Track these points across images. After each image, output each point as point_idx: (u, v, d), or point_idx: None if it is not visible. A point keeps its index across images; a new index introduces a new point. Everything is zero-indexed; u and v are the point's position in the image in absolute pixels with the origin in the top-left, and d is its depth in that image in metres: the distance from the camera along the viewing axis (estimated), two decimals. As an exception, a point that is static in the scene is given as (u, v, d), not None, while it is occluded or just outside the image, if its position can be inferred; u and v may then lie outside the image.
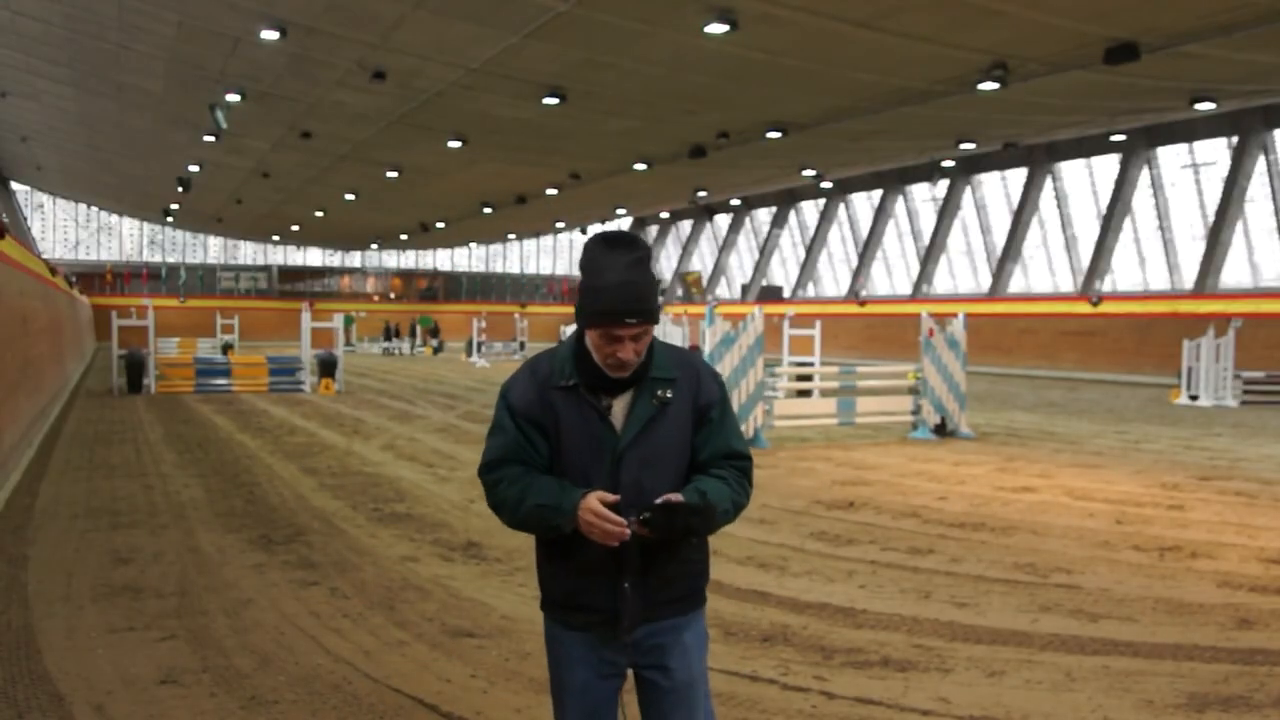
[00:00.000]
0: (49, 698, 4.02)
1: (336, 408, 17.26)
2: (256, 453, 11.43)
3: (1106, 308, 30.13)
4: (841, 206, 42.79)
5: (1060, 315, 31.40)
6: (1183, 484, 9.49)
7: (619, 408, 2.29)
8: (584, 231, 51.31)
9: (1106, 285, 31.61)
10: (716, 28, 14.25)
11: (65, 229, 51.89)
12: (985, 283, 35.85)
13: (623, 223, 48.32)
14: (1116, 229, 31.18)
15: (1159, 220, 30.46)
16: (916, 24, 14.26)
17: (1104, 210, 31.49)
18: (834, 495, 8.83)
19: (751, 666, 4.40)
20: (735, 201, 46.99)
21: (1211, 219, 28.58)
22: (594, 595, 2.29)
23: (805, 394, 14.96)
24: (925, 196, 38.95)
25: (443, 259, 60.79)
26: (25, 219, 48.40)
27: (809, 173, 31.55)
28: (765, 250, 47.26)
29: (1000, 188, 35.76)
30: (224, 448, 11.85)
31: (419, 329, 47.25)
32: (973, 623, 5.05)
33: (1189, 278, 29.27)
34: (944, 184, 37.11)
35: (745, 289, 47.42)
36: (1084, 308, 30.67)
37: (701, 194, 37.40)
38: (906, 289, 39.08)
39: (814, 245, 44.13)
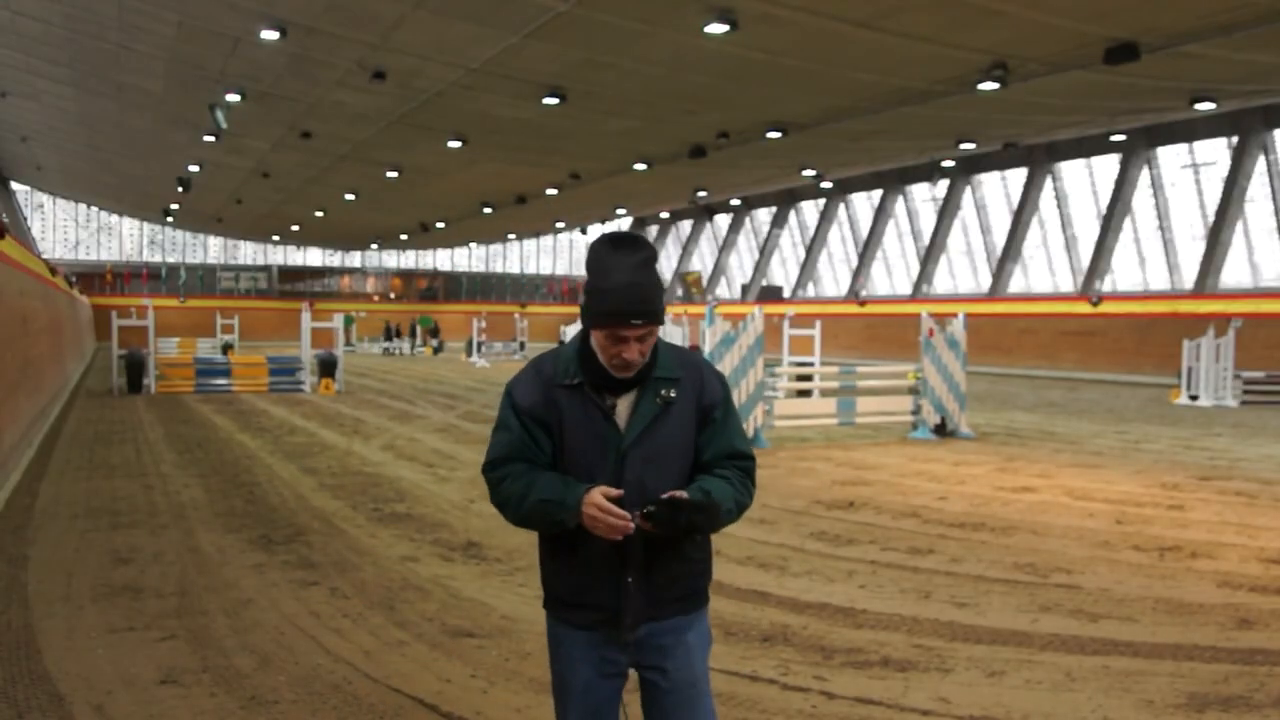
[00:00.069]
0: (49, 698, 4.02)
1: (336, 408, 17.27)
2: (256, 453, 11.43)
3: (1106, 308, 30.13)
4: (841, 206, 42.80)
5: (1060, 315, 31.41)
6: (1183, 484, 9.50)
7: (623, 407, 2.30)
8: (584, 232, 51.35)
9: (1106, 285, 31.61)
10: (716, 28, 14.25)
11: (65, 229, 51.90)
12: (985, 283, 35.85)
13: (623, 223, 48.34)
14: (1116, 229, 31.18)
15: (1159, 220, 30.46)
16: (916, 24, 14.26)
17: (1104, 210, 31.49)
18: (834, 495, 8.83)
19: (751, 666, 4.40)
20: (735, 201, 47.00)
21: (1211, 219, 28.58)
22: (597, 592, 2.29)
23: (805, 394, 14.96)
24: (925, 196, 38.95)
25: (443, 259, 60.80)
26: (25, 219, 48.40)
27: (809, 173, 31.55)
28: (765, 250, 47.27)
29: (1000, 188, 35.76)
30: (224, 448, 11.86)
31: (419, 329, 47.27)
32: (973, 623, 5.05)
33: (1189, 278, 29.27)
34: (944, 184, 37.11)
35: (745, 289, 47.43)
36: (1084, 308, 30.67)
37: (701, 194, 37.40)
38: (906, 289, 39.08)
39: (814, 245, 44.14)
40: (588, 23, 14.62)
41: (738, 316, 12.56)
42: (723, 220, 51.30)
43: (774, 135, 22.49)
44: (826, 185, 38.48)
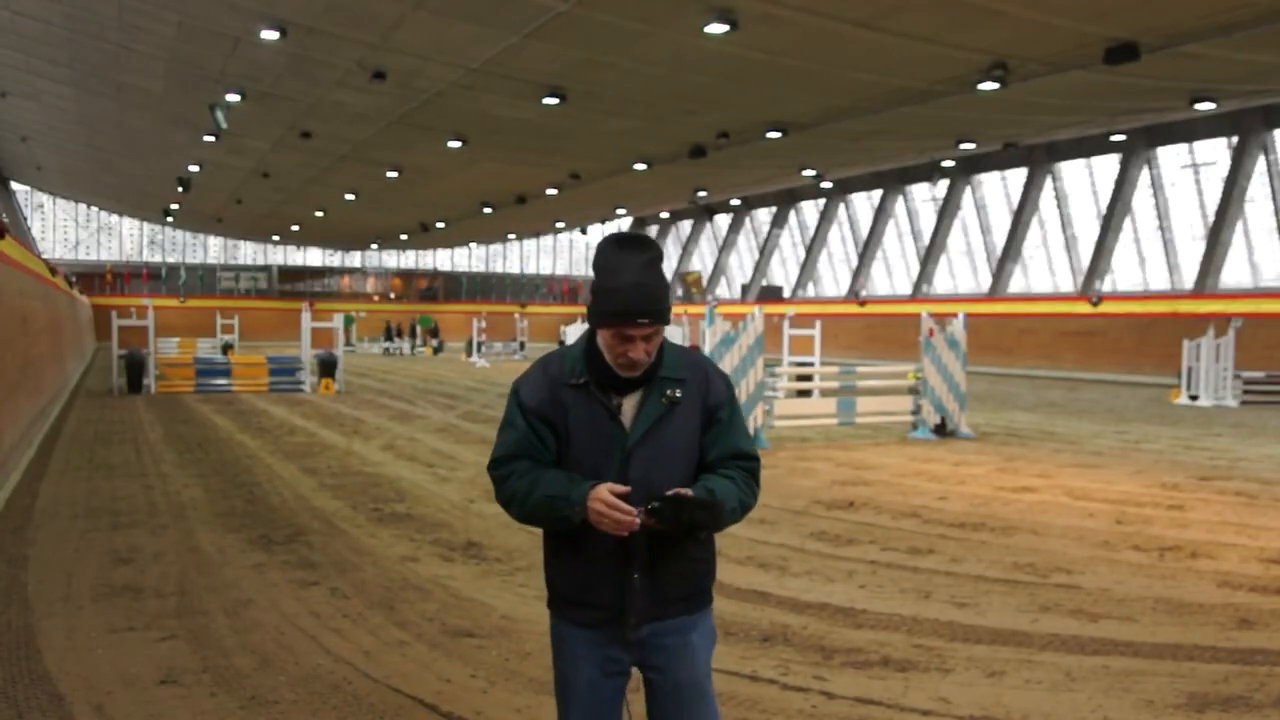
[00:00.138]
0: (49, 698, 4.02)
1: (336, 408, 17.26)
2: (256, 453, 11.43)
3: (1106, 308, 30.13)
4: (841, 206, 42.80)
5: (1060, 315, 31.41)
6: (1183, 484, 9.50)
7: (628, 406, 2.31)
8: (584, 232, 51.33)
9: (1106, 285, 31.62)
10: (716, 28, 14.25)
11: (65, 229, 51.89)
12: (985, 283, 35.85)
13: (623, 223, 48.34)
14: (1116, 229, 31.19)
15: (1159, 220, 30.47)
16: (916, 24, 14.27)
17: (1104, 210, 31.50)
18: (834, 495, 8.83)
19: (751, 666, 4.40)
20: (735, 201, 47.00)
21: (1211, 219, 28.59)
22: (602, 590, 2.30)
23: (805, 394, 14.96)
24: (925, 196, 38.95)
25: (443, 259, 60.80)
26: (25, 219, 48.40)
27: (809, 173, 31.55)
28: (765, 250, 47.27)
29: (1000, 188, 35.77)
30: (224, 448, 11.86)
31: (419, 329, 47.28)
32: (973, 623, 5.05)
33: (1189, 278, 29.27)
34: (944, 184, 37.12)
35: (745, 289, 47.44)
36: (1084, 308, 30.67)
37: (701, 194, 37.40)
38: (906, 289, 39.08)
39: (814, 245, 44.14)
40: (588, 23, 14.62)
41: (738, 316, 12.56)
42: (723, 220, 51.31)
43: (774, 135, 22.49)
44: (826, 185, 38.49)
